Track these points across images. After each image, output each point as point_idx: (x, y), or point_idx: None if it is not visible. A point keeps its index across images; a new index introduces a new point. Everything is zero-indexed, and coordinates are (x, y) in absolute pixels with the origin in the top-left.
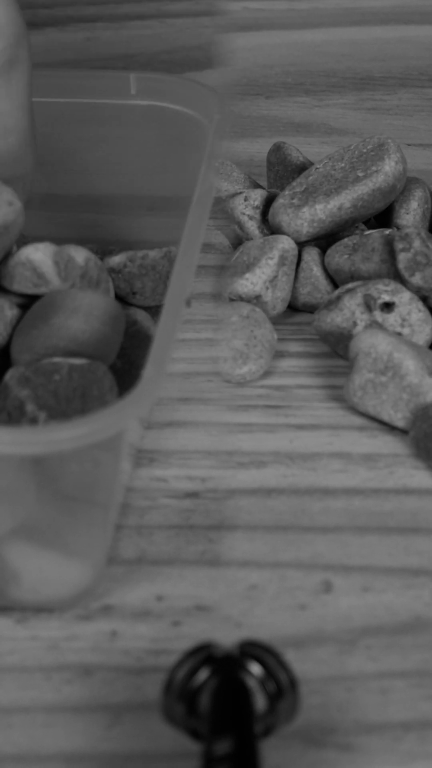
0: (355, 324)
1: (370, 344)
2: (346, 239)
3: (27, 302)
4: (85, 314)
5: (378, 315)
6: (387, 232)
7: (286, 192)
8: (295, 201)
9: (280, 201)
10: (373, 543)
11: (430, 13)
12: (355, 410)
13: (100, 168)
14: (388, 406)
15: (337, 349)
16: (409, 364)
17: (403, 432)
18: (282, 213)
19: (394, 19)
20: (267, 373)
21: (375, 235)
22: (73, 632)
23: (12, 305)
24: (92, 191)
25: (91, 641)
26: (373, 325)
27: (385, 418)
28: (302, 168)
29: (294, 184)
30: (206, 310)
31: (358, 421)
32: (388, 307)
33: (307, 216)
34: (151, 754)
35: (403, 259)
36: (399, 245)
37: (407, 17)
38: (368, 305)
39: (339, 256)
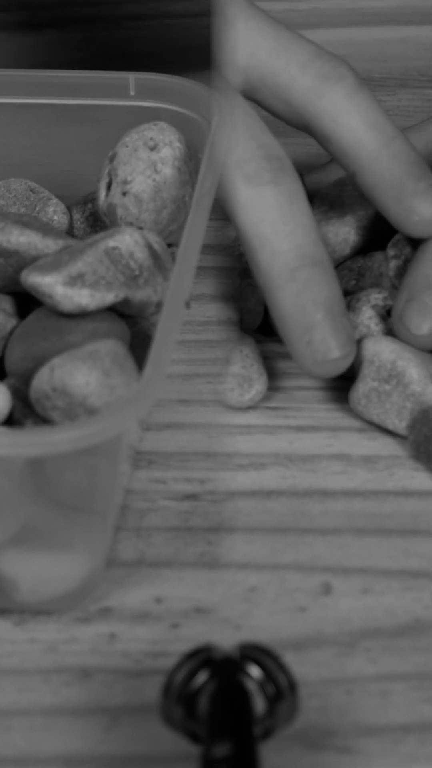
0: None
1: (374, 352)
2: (349, 262)
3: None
4: (103, 337)
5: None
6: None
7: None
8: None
9: None
10: (372, 545)
11: (430, 14)
12: (357, 414)
13: (99, 169)
14: (392, 414)
15: None
16: (413, 372)
17: (404, 436)
18: None
19: (394, 19)
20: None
21: (378, 257)
22: (72, 635)
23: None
24: (92, 191)
25: (90, 644)
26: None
27: (390, 426)
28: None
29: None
30: (206, 311)
31: (357, 422)
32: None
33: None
34: (149, 756)
35: (393, 266)
36: (391, 252)
37: (407, 17)
38: (381, 316)
39: (346, 282)
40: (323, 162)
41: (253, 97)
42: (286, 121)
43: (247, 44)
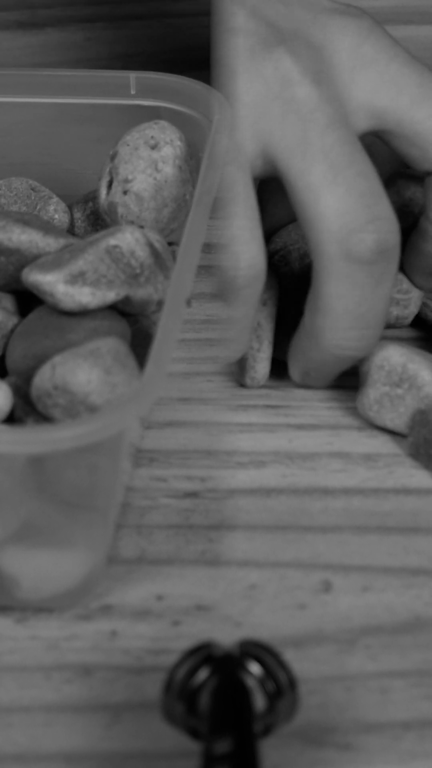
0: None
1: (383, 357)
2: None
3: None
4: (104, 335)
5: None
6: None
7: None
8: None
9: None
10: (372, 543)
11: (430, 13)
12: (357, 412)
13: (100, 168)
14: (408, 418)
15: None
16: (425, 374)
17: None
18: None
19: (394, 19)
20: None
21: None
22: (73, 632)
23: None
24: (93, 190)
25: (91, 641)
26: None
27: (405, 431)
28: None
29: None
30: (206, 309)
31: (357, 421)
32: None
33: None
34: (150, 753)
35: None
36: None
37: (407, 17)
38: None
39: None
40: None
41: (381, 137)
42: (415, 165)
43: (389, 88)
